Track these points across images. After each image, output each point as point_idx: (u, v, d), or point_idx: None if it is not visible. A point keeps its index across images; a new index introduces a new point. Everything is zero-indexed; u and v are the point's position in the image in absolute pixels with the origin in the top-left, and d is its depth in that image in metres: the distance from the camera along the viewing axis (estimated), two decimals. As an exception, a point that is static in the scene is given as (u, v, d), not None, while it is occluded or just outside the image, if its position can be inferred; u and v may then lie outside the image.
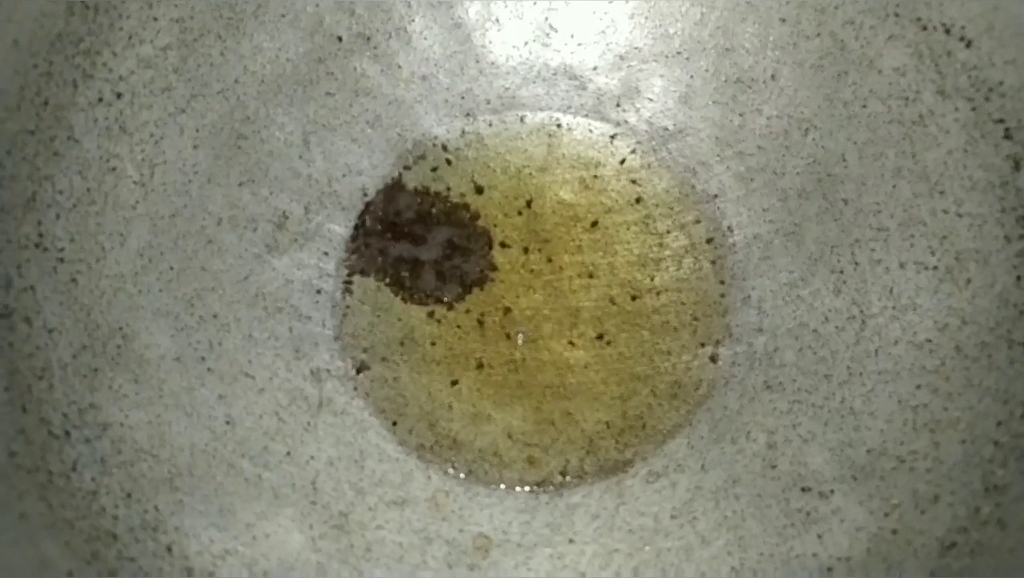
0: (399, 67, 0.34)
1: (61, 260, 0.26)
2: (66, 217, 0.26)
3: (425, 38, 0.34)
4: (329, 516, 0.28)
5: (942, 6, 0.28)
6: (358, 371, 0.31)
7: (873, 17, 0.30)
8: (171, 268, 0.29)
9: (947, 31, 0.28)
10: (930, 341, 0.28)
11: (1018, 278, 0.26)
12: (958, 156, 0.28)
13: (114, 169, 0.28)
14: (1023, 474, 0.23)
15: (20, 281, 0.24)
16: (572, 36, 0.35)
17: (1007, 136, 0.27)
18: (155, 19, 0.28)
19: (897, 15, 0.29)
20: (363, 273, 0.32)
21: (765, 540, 0.27)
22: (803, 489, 0.28)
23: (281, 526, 0.27)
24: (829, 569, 0.25)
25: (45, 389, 0.24)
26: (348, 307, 0.32)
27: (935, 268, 0.29)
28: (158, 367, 0.27)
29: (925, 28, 0.29)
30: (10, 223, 0.24)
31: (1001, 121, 0.27)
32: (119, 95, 0.28)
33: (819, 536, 0.26)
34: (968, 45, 0.28)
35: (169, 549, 0.24)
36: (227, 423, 0.28)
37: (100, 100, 0.27)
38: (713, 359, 0.32)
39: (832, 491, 0.27)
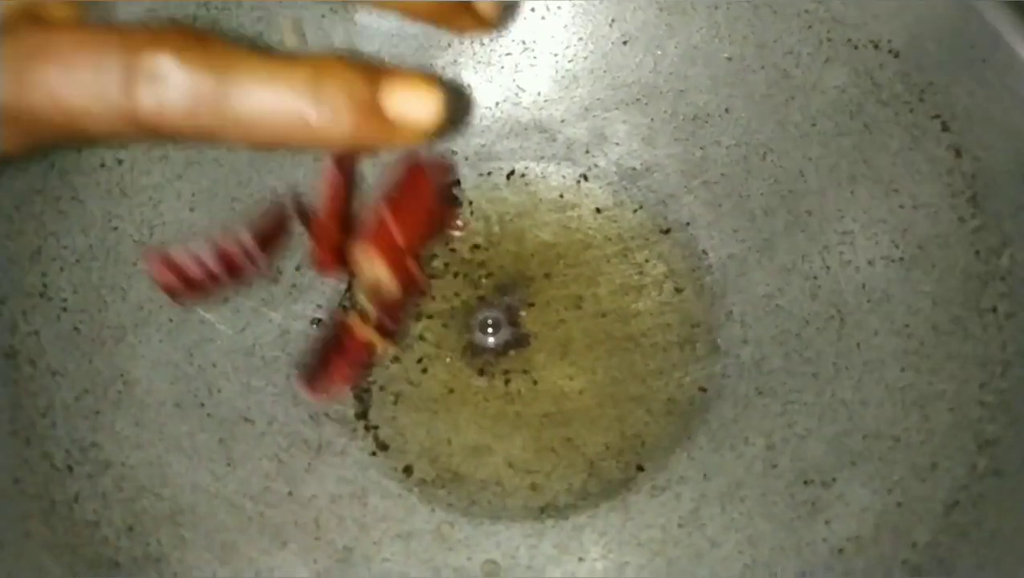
0: (381, 132, 0.37)
1: (64, 309, 0.27)
2: (70, 270, 0.28)
3: (403, 105, 0.37)
4: (333, 551, 0.27)
5: (867, 26, 0.31)
6: (358, 417, 0.31)
7: (809, 45, 0.33)
8: (170, 320, 0.30)
9: (876, 47, 0.31)
10: (907, 326, 0.29)
11: (977, 253, 0.28)
12: (905, 155, 0.30)
13: (115, 228, 0.29)
14: (1012, 425, 0.24)
15: (25, 326, 0.25)
16: (539, 94, 0.38)
17: (945, 128, 0.29)
18: (153, 93, 0.31)
19: (830, 40, 0.32)
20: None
21: (775, 534, 0.27)
22: (806, 482, 0.28)
23: (285, 561, 0.26)
24: (840, 550, 0.25)
25: (48, 426, 0.24)
26: (343, 352, 0.33)
27: (901, 259, 0.30)
28: (158, 412, 0.28)
29: (856, 48, 0.32)
30: (16, 273, 0.26)
31: (937, 116, 0.29)
32: (120, 161, 0.30)
33: (827, 522, 0.26)
34: (896, 56, 0.31)
35: (172, 579, 0.24)
36: (228, 465, 0.28)
37: (103, 165, 0.29)
38: (704, 373, 0.32)
39: (834, 479, 0.27)
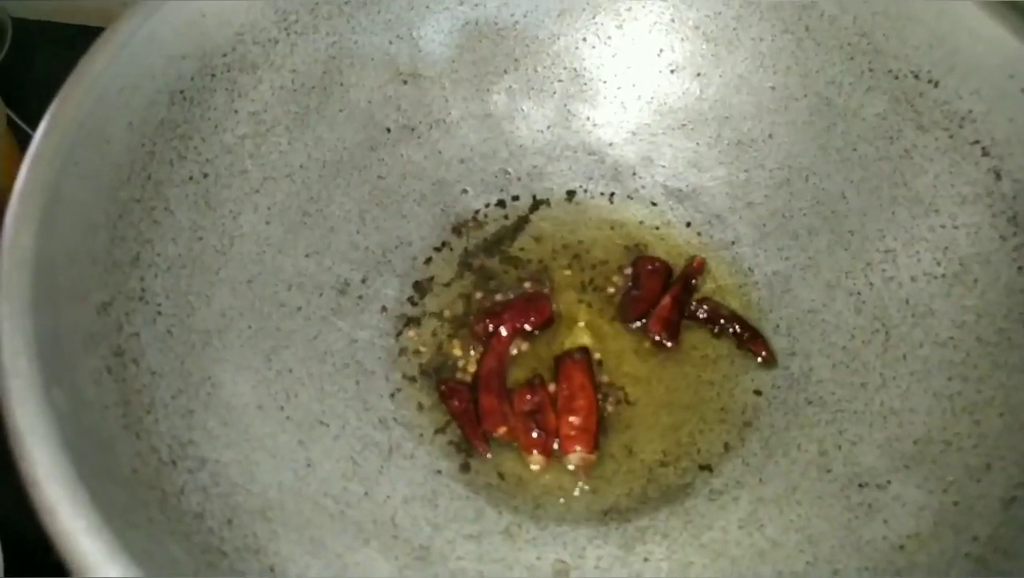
0: (440, 152, 0.38)
1: (159, 313, 0.28)
2: (163, 276, 0.29)
3: (461, 128, 0.39)
4: (411, 549, 0.28)
5: (908, 57, 0.33)
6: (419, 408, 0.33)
7: (851, 75, 0.35)
8: (249, 327, 0.31)
9: (916, 76, 0.33)
10: (952, 338, 0.31)
11: (1019, 269, 0.29)
12: (945, 178, 0.32)
13: (200, 239, 0.31)
14: (1063, 425, 0.25)
15: (128, 327, 0.27)
16: (588, 118, 0.40)
17: (985, 153, 0.31)
18: (236, 112, 0.33)
19: (871, 70, 0.34)
20: (418, 327, 0.35)
21: (834, 534, 0.28)
22: (860, 485, 0.29)
23: (368, 557, 0.27)
24: (901, 547, 0.26)
25: (152, 423, 0.25)
26: (408, 361, 0.34)
27: (943, 276, 0.32)
28: (243, 413, 0.29)
29: (897, 77, 0.34)
30: (120, 276, 0.27)
31: (977, 142, 0.31)
32: (205, 175, 0.31)
33: (885, 521, 0.27)
34: (936, 85, 0.33)
35: (272, 569, 0.25)
36: (307, 465, 0.29)
37: (191, 178, 0.31)
38: (753, 384, 0.34)
39: (889, 482, 0.29)
